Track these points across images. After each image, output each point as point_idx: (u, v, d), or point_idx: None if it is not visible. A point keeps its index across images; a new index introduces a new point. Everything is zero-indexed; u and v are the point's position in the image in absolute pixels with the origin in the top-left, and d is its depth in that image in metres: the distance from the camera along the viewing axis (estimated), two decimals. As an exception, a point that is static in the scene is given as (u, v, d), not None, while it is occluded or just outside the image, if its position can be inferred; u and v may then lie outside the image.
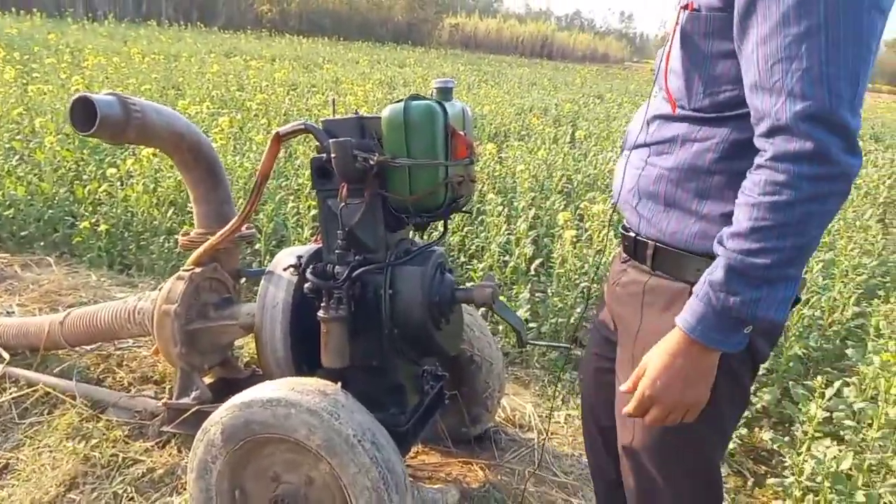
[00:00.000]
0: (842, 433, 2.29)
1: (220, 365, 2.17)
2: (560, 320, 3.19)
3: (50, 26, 17.46)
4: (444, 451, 2.27)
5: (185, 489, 1.94)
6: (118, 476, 1.99)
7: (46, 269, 3.54)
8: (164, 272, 3.52)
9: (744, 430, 2.48)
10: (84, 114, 1.75)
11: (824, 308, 3.10)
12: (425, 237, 1.97)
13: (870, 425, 2.18)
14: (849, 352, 2.67)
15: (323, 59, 16.71)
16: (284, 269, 1.81)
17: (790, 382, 2.61)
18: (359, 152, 1.60)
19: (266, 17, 31.25)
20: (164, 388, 2.44)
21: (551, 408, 2.61)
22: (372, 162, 1.60)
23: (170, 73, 9.33)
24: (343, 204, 1.68)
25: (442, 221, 1.81)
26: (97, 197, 3.90)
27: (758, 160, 0.97)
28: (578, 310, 3.23)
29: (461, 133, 1.66)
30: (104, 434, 2.11)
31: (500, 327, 3.20)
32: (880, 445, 2.08)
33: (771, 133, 0.94)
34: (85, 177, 4.26)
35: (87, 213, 3.82)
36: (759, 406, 2.56)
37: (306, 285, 1.71)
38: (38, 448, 2.10)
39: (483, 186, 4.33)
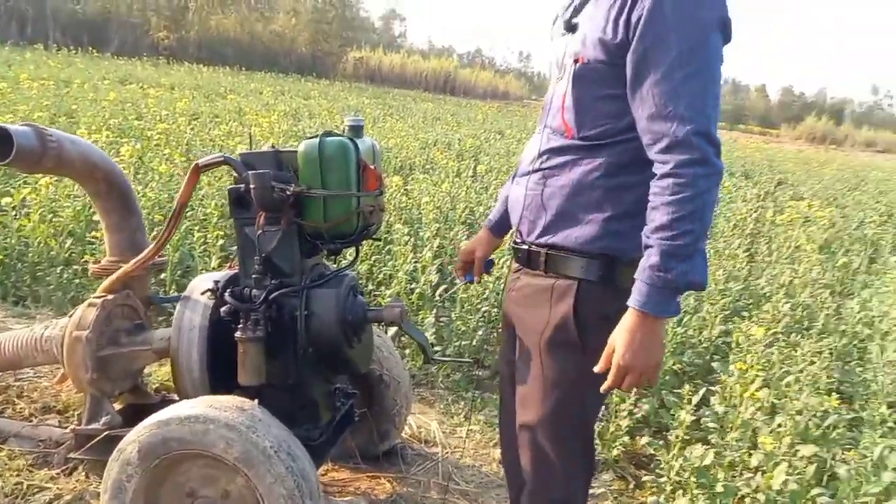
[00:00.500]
0: (709, 437, 2.59)
1: (129, 391, 2.20)
2: (463, 342, 3.38)
3: (-78, 45, 16.25)
4: (353, 467, 2.38)
5: (94, 515, 1.95)
6: (23, 505, 1.97)
7: (-69, 302, 3.38)
8: (63, 303, 3.44)
9: (626, 439, 2.73)
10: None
11: (695, 327, 3.46)
12: (338, 263, 2.11)
13: (731, 428, 2.48)
14: (715, 365, 3.01)
15: (225, 88, 16.47)
16: (202, 294, 1.89)
17: (666, 394, 2.91)
18: (276, 183, 1.74)
19: (163, 44, 30.34)
20: (68, 417, 2.41)
21: (469, 412, 2.78)
22: (289, 192, 1.74)
23: (61, 100, 8.96)
24: (260, 231, 1.80)
25: (354, 248, 1.96)
26: (-11, 226, 3.76)
27: (659, 171, 1.29)
28: (480, 332, 3.44)
29: (371, 167, 1.83)
30: (6, 464, 2.07)
31: (407, 350, 3.35)
32: (738, 444, 2.39)
33: (669, 148, 1.27)
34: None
35: (-24, 244, 3.67)
36: (639, 416, 2.83)
37: (224, 308, 1.80)
38: (-68, 482, 2.04)
39: (390, 217, 4.50)
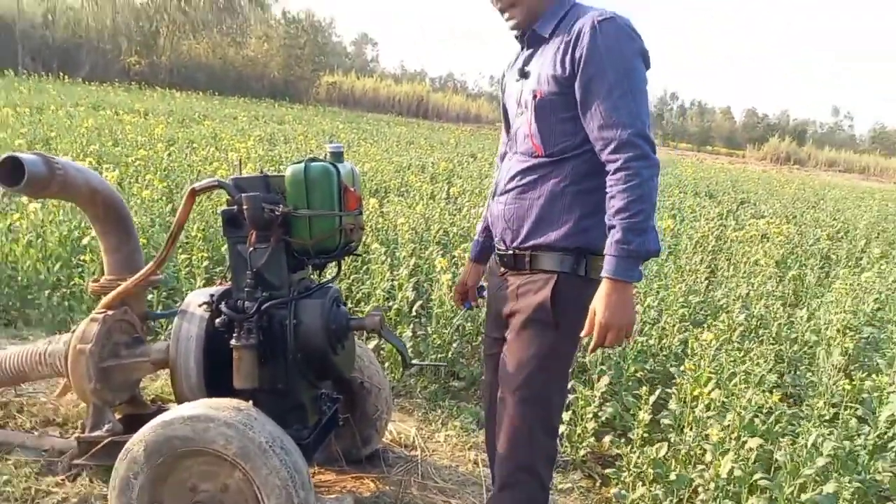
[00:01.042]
0: (668, 435, 2.81)
1: (128, 402, 2.35)
2: (440, 355, 3.57)
3: None
4: (339, 470, 2.55)
5: (98, 516, 2.09)
6: (32, 507, 2.11)
7: (-79, 325, 3.47)
8: (53, 325, 3.56)
9: (592, 440, 2.93)
10: (10, 171, 1.95)
11: (656, 336, 3.70)
12: (321, 277, 2.30)
13: (686, 425, 2.71)
14: (672, 370, 3.24)
15: (198, 114, 16.59)
16: (199, 306, 2.06)
17: (626, 397, 3.13)
18: (266, 205, 1.93)
19: (134, 69, 30.30)
20: (67, 429, 2.55)
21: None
22: (278, 212, 1.93)
23: (36, 127, 9.04)
24: (252, 249, 1.99)
25: (336, 262, 2.16)
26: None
27: (612, 168, 1.63)
28: (455, 345, 3.63)
29: (351, 189, 2.04)
30: (14, 472, 2.21)
31: (387, 364, 3.53)
32: (691, 439, 2.61)
33: (617, 149, 1.62)
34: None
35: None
36: (604, 419, 3.04)
37: (219, 319, 1.98)
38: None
39: (367, 238, 4.70)
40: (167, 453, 1.82)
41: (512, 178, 1.83)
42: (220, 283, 2.30)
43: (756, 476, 2.24)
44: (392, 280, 4.01)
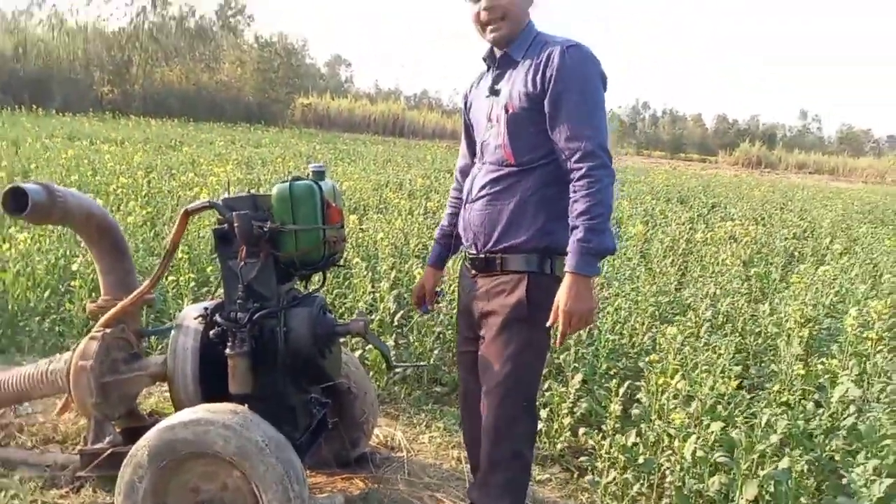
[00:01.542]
0: (640, 425, 2.99)
1: (126, 415, 2.48)
2: (422, 362, 3.73)
3: None
4: (329, 472, 2.69)
5: (103, 523, 2.21)
6: (40, 519, 2.22)
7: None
8: (45, 351, 3.67)
9: (569, 435, 3.10)
10: (15, 200, 2.10)
11: (627, 334, 3.89)
12: (307, 287, 2.46)
13: (653, 413, 2.89)
14: (641, 364, 3.43)
15: (175, 140, 16.65)
16: (194, 319, 2.21)
17: (598, 391, 3.31)
18: (255, 222, 2.09)
19: (107, 98, 30.19)
20: (67, 446, 2.66)
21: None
22: (266, 228, 2.10)
23: (13, 160, 9.08)
24: (243, 263, 2.14)
25: (321, 273, 2.32)
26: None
27: (576, 175, 1.85)
28: (436, 352, 3.80)
29: (334, 204, 2.21)
30: (20, 487, 2.32)
31: (371, 373, 3.68)
32: (658, 426, 2.79)
33: (582, 158, 1.85)
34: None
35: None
36: (579, 414, 3.21)
37: (213, 330, 2.14)
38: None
39: (349, 253, 4.86)
40: (170, 456, 1.96)
41: (483, 187, 2.03)
42: (212, 299, 2.45)
43: (716, 454, 2.42)
44: (374, 292, 4.17)
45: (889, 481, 2.20)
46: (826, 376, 3.05)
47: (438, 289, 2.41)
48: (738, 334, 4.24)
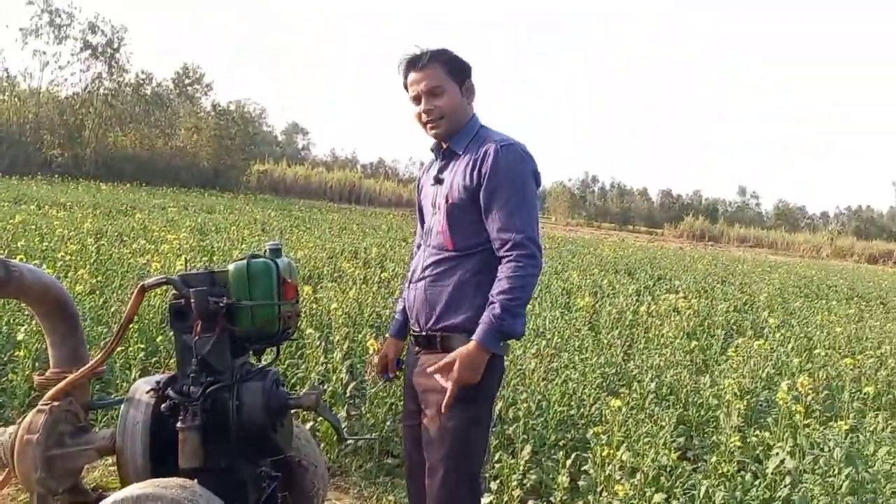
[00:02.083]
0: (586, 497, 3.06)
1: (70, 490, 2.43)
2: (374, 434, 3.74)
3: None
4: (277, 549, 2.65)
5: None
6: None
7: None
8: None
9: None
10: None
11: (575, 406, 3.99)
12: (260, 360, 2.50)
13: (600, 483, 2.97)
14: (588, 436, 3.52)
15: (126, 205, 16.47)
16: (146, 393, 2.22)
17: (546, 462, 3.37)
18: (212, 298, 2.15)
19: (57, 162, 29.70)
20: (3, 524, 2.58)
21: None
22: (222, 304, 2.16)
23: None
24: (197, 338, 2.18)
25: (275, 347, 2.38)
26: None
27: (504, 261, 2.00)
28: (388, 423, 3.81)
29: (289, 280, 2.29)
30: (-50, 567, 2.24)
31: (322, 445, 3.66)
32: (604, 498, 2.86)
33: (511, 248, 2.01)
34: None
35: None
36: (528, 485, 3.25)
37: (165, 404, 2.15)
38: None
39: (302, 323, 4.88)
40: (116, 533, 1.94)
41: (426, 268, 2.17)
42: (164, 372, 2.46)
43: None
44: (326, 363, 4.19)
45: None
46: (761, 448, 3.19)
47: (401, 357, 2.50)
48: (681, 406, 4.39)
